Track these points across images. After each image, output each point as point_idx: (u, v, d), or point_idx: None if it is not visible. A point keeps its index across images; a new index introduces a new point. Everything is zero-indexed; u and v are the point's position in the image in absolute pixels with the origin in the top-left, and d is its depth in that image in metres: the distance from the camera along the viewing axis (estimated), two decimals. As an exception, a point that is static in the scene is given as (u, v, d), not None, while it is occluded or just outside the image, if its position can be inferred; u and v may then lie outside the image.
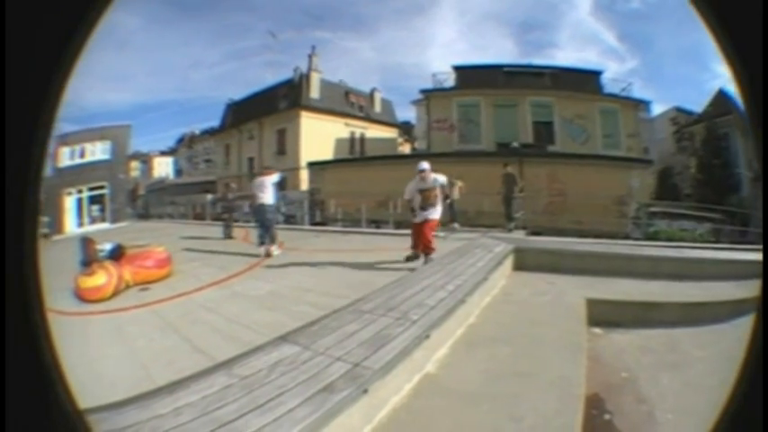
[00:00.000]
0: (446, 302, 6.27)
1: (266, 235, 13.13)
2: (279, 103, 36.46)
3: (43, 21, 1.81)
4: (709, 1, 1.92)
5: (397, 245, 12.45)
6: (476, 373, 4.80)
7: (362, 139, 38.56)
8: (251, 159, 37.15)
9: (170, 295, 8.96)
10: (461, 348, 5.54)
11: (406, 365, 4.49)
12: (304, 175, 32.14)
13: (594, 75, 31.09)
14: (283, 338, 5.06)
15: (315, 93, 36.09)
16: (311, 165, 30.33)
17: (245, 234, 17.52)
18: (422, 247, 10.33)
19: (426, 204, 10.33)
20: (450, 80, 33.16)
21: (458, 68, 33.29)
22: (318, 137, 34.02)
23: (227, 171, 40.71)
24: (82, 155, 39.21)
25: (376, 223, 18.44)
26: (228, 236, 18.06)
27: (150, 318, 7.72)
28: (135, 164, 47.88)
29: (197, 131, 55.43)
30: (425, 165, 10.47)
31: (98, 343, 6.73)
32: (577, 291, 8.26)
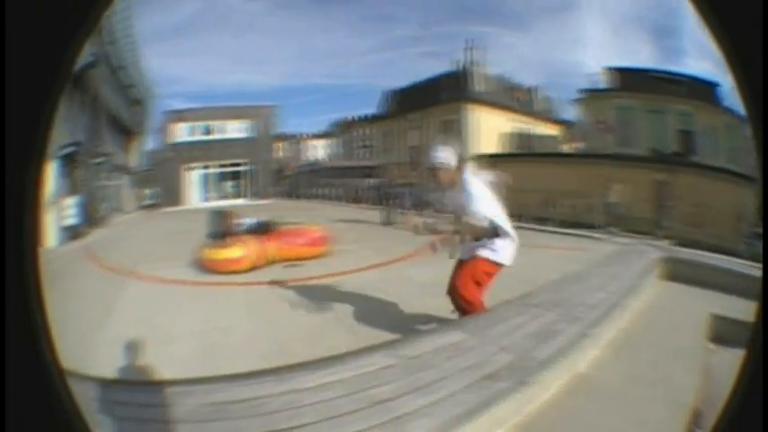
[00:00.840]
0: (605, 304, 6.23)
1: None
2: (443, 94, 36.43)
3: (42, 20, 1.84)
4: (709, 1, 1.89)
5: (561, 243, 12.84)
6: (618, 376, 4.66)
7: (526, 134, 38.16)
8: (413, 148, 37.36)
9: (321, 274, 9.19)
10: (610, 350, 5.36)
11: (563, 362, 4.42)
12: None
13: (716, 86, 29.62)
14: (453, 324, 5.17)
15: (480, 85, 35.94)
16: (480, 157, 30.23)
17: (405, 220, 17.62)
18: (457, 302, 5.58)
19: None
20: (603, 81, 32.44)
21: (612, 69, 32.49)
22: (483, 130, 33.92)
23: (388, 158, 41.09)
24: (207, 132, 40.76)
25: (540, 220, 18.19)
26: (387, 222, 18.24)
27: (296, 294, 7.91)
28: (282, 144, 48.98)
29: (354, 117, 56.20)
30: (441, 153, 5.38)
31: (230, 313, 7.18)
32: (709, 305, 7.98)
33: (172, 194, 39.61)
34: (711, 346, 6.56)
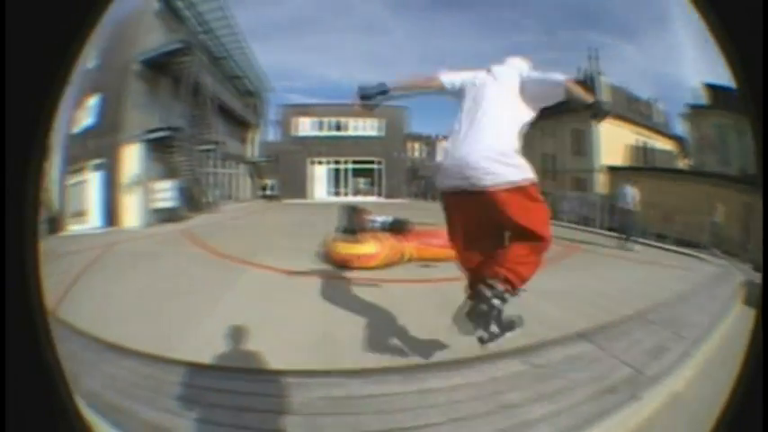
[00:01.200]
0: (707, 324, 6.22)
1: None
2: (570, 102, 36.24)
3: (42, 21, 1.82)
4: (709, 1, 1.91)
5: (670, 261, 12.33)
6: (705, 396, 4.40)
7: (647, 148, 37.59)
8: (547, 156, 37.25)
9: (454, 276, 9.06)
10: (702, 370, 5.24)
11: (665, 379, 4.43)
12: (600, 179, 31.79)
13: None
14: (581, 335, 5.22)
15: (605, 96, 35.59)
16: (611, 169, 29.84)
17: None
18: None
19: None
20: (704, 97, 31.78)
21: (709, 86, 31.76)
22: (610, 141, 33.54)
23: None
24: (338, 127, 41.08)
25: (660, 236, 17.85)
26: None
27: (426, 293, 7.91)
28: (417, 145, 49.19)
29: None
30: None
31: (358, 309, 7.00)
32: None
33: (295, 187, 40.05)
34: None
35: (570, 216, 21.64)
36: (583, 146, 32.12)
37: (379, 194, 39.69)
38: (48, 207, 27.75)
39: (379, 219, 11.72)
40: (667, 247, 15.57)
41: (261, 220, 23.27)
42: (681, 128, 35.52)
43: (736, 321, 7.12)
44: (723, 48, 1.86)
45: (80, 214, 21.31)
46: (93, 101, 22.87)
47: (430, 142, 51.10)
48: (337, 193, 39.49)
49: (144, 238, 16.60)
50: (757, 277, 10.20)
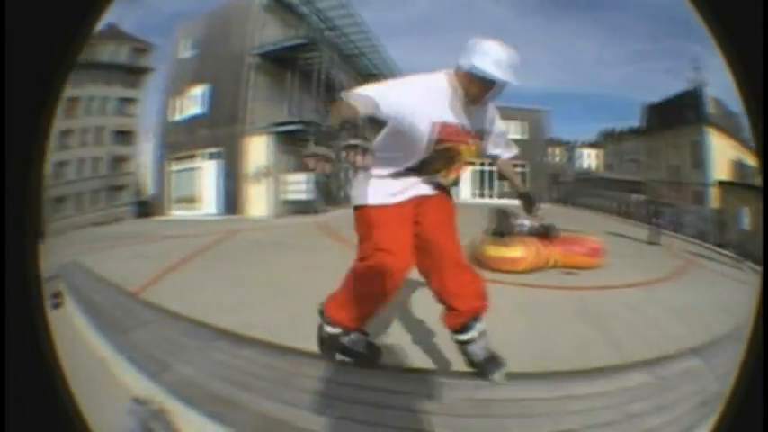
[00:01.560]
0: None
1: None
2: (687, 113, 35.49)
3: (42, 22, 1.88)
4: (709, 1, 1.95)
5: None
6: None
7: (745, 164, 36.58)
8: (671, 167, 36.66)
9: (594, 285, 8.98)
10: None
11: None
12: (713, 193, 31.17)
13: None
14: (694, 351, 5.05)
15: (712, 108, 34.75)
16: (721, 183, 29.22)
17: (671, 243, 16.91)
18: None
19: None
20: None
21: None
22: (717, 155, 32.79)
23: (649, 175, 40.25)
24: None
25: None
26: (653, 242, 17.92)
27: (567, 301, 7.83)
28: (556, 150, 49.27)
29: (620, 129, 55.65)
30: None
31: (503, 312, 6.80)
32: None
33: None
34: None
35: (689, 230, 21.10)
36: (699, 159, 31.44)
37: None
38: (137, 191, 28.67)
39: (527, 223, 11.68)
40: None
41: None
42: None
43: None
44: (723, 48, 1.92)
45: (188, 200, 22.22)
46: (197, 91, 23.90)
47: (569, 148, 50.85)
48: (482, 195, 39.56)
49: (273, 228, 16.95)
50: None
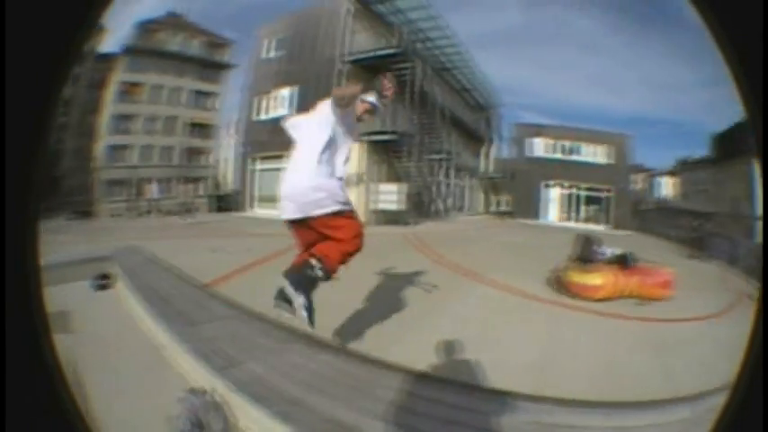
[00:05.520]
0: None
1: None
2: (746, 143, 34.77)
3: (42, 23, 1.88)
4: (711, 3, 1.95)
5: None
6: None
7: None
8: (733, 199, 36.02)
9: (664, 317, 8.79)
10: None
11: None
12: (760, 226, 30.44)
13: None
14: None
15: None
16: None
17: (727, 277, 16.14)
18: None
19: None
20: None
21: None
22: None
23: (718, 206, 39.59)
24: (570, 151, 40.95)
25: None
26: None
27: (640, 332, 7.79)
28: (640, 176, 48.82)
29: (695, 157, 54.85)
30: None
31: (573, 336, 6.99)
32: None
33: (527, 207, 40.50)
34: None
35: (744, 264, 20.69)
36: (749, 191, 30.70)
37: (607, 223, 39.37)
38: (215, 184, 29.06)
39: (608, 250, 11.62)
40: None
41: (492, 234, 22.80)
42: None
43: None
44: (723, 48, 1.92)
45: (271, 200, 22.49)
46: (287, 92, 24.44)
47: (651, 175, 50.11)
48: (568, 218, 39.33)
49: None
50: None
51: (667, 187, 51.26)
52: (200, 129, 29.86)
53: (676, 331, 7.98)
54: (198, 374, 4.18)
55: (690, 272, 15.99)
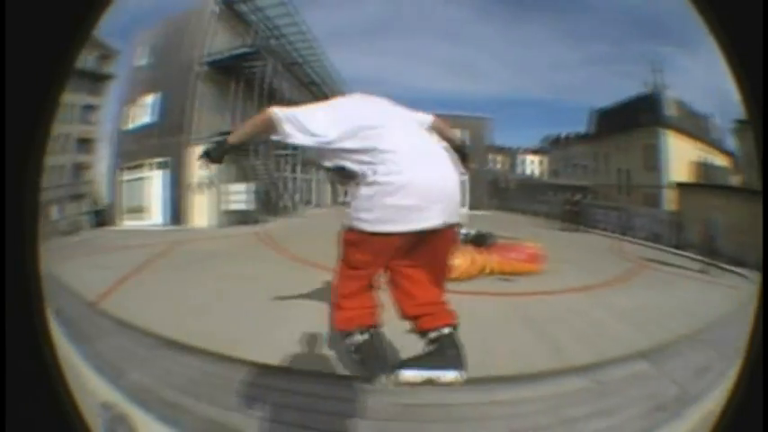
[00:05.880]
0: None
1: None
2: (642, 116, 35.92)
3: (42, 23, 1.99)
4: (712, 3, 1.94)
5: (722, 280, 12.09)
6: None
7: (708, 164, 37.00)
8: (619, 170, 36.96)
9: (534, 290, 9.27)
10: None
11: (705, 398, 4.38)
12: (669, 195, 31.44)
13: None
14: (642, 354, 5.31)
15: (670, 110, 35.17)
16: (679, 185, 29.49)
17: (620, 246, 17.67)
18: None
19: None
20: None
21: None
22: (675, 157, 33.18)
23: (599, 179, 40.45)
24: None
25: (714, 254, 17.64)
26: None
27: (503, 309, 8.06)
28: (499, 157, 49.54)
29: (564, 135, 55.56)
30: None
31: None
32: None
33: None
34: None
35: (641, 233, 21.57)
36: (654, 161, 31.82)
37: (464, 206, 40.07)
38: (94, 200, 28.40)
39: (463, 231, 11.89)
40: (737, 270, 15.44)
41: (339, 225, 23.32)
42: (732, 143, 35.06)
43: None
44: (723, 49, 1.97)
45: (137, 210, 22.31)
46: (150, 99, 23.76)
47: (511, 154, 51.18)
48: None
49: (215, 238, 17.06)
50: None
51: (533, 165, 52.63)
52: (86, 144, 29.02)
53: (551, 304, 8.35)
54: (103, 389, 4.29)
55: (567, 244, 17.04)
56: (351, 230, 3.15)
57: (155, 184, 21.93)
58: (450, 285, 8.74)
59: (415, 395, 3.77)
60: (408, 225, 2.95)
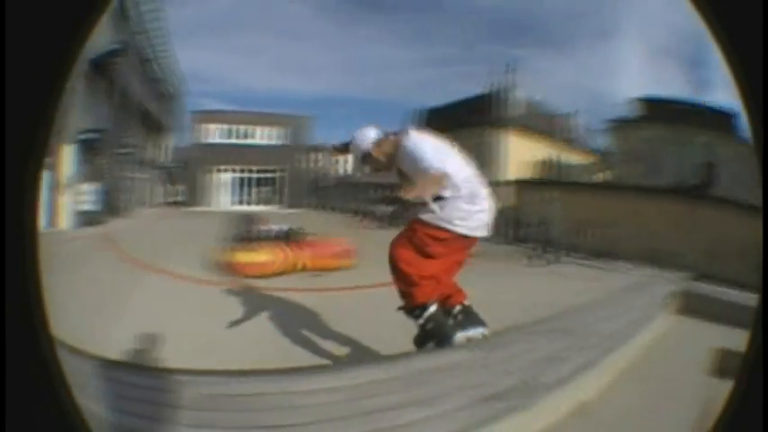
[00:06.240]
0: (617, 335, 6.28)
1: None
2: (477, 115, 36.42)
3: (42, 21, 1.96)
4: (712, 3, 1.97)
5: (580, 273, 12.72)
6: (622, 407, 4.66)
7: (557, 162, 37.99)
8: None
9: (342, 286, 9.45)
10: (618, 381, 5.34)
11: (567, 390, 4.43)
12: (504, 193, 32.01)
13: (734, 117, 29.17)
14: (462, 345, 5.14)
15: (516, 110, 35.92)
16: (519, 182, 30.10)
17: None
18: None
19: None
20: (632, 110, 32.67)
21: (641, 99, 32.89)
22: (515, 155, 33.85)
23: None
24: (245, 135, 41.40)
25: (571, 248, 18.15)
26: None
27: (313, 303, 8.09)
28: (319, 155, 49.89)
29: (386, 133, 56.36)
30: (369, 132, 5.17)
31: (245, 315, 7.37)
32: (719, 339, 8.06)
33: (200, 194, 40.34)
34: (715, 379, 6.64)
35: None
36: (487, 160, 32.58)
37: (281, 203, 40.19)
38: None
39: (275, 228, 12.06)
40: (578, 260, 15.91)
41: (165, 226, 24.30)
42: (603, 141, 36.38)
43: (664, 332, 7.43)
44: (724, 49, 1.95)
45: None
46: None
47: (329, 152, 51.95)
48: (240, 202, 39.92)
49: (69, 240, 16.81)
50: (697, 287, 10.49)
51: (351, 163, 53.86)
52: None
53: (364, 297, 8.67)
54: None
55: (384, 241, 17.39)
56: (441, 230, 4.38)
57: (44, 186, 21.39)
58: (263, 282, 8.84)
59: (224, 386, 3.76)
60: (484, 233, 4.63)
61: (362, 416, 3.31)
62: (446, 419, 3.32)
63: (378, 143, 4.96)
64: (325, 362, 5.14)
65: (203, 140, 41.95)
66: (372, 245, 14.52)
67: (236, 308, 7.87)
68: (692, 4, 2.07)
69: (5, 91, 1.94)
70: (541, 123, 37.70)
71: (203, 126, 42.30)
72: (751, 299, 8.52)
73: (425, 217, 4.48)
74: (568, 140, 40.46)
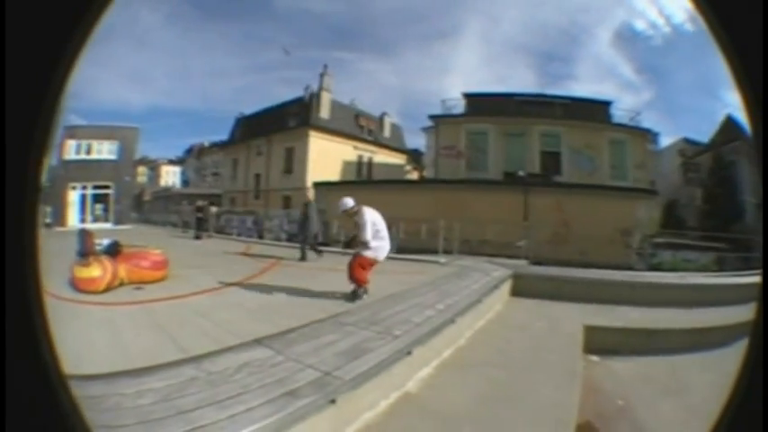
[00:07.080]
0: (433, 321, 6.40)
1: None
2: (288, 120, 36.28)
3: (42, 19, 1.92)
4: (712, 3, 1.98)
5: (402, 267, 12.51)
6: (460, 396, 4.86)
7: (370, 163, 38.42)
8: (257, 176, 37.11)
9: (163, 296, 9.17)
10: (447, 369, 5.60)
11: (384, 381, 4.56)
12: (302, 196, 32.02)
13: (604, 105, 30.04)
14: (258, 341, 5.29)
15: (325, 113, 36.00)
16: (317, 185, 30.11)
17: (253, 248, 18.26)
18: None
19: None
20: (460, 107, 33.17)
21: (468, 96, 33.17)
22: (326, 158, 33.69)
23: (234, 185, 40.63)
24: (88, 151, 39.98)
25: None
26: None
27: (140, 315, 7.98)
28: (143, 169, 48.58)
29: (206, 143, 55.55)
30: (348, 201, 9.37)
31: (86, 330, 6.86)
32: (575, 318, 8.37)
33: (62, 214, 38.67)
34: (595, 358, 6.94)
35: (275, 233, 22.86)
36: (293, 164, 32.83)
37: (112, 220, 39.45)
38: None
39: (104, 241, 11.77)
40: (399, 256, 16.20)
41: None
42: (423, 140, 37.03)
43: (501, 313, 7.66)
44: (724, 49, 1.92)
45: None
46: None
47: (155, 166, 50.84)
48: (83, 220, 38.62)
49: None
50: (531, 268, 10.81)
51: (174, 176, 53.38)
52: None
53: (178, 306, 8.60)
54: None
55: (198, 252, 18.45)
56: (366, 258, 8.96)
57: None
58: (103, 297, 8.59)
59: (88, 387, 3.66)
60: (385, 257, 9.36)
61: (169, 417, 3.31)
62: (247, 418, 3.35)
63: (349, 209, 9.31)
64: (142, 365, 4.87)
65: (65, 157, 40.00)
66: (191, 255, 14.53)
67: (78, 324, 7.31)
68: (691, 4, 2.08)
69: (5, 91, 1.91)
70: (352, 126, 38.10)
71: (66, 141, 40.29)
72: (578, 271, 8.94)
73: (365, 253, 8.98)
74: (382, 142, 41.05)
